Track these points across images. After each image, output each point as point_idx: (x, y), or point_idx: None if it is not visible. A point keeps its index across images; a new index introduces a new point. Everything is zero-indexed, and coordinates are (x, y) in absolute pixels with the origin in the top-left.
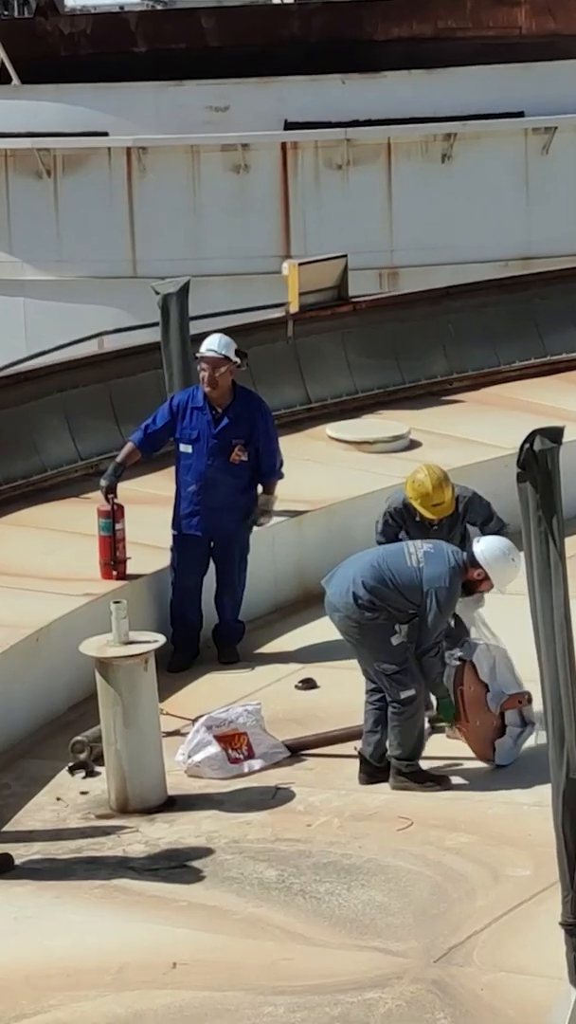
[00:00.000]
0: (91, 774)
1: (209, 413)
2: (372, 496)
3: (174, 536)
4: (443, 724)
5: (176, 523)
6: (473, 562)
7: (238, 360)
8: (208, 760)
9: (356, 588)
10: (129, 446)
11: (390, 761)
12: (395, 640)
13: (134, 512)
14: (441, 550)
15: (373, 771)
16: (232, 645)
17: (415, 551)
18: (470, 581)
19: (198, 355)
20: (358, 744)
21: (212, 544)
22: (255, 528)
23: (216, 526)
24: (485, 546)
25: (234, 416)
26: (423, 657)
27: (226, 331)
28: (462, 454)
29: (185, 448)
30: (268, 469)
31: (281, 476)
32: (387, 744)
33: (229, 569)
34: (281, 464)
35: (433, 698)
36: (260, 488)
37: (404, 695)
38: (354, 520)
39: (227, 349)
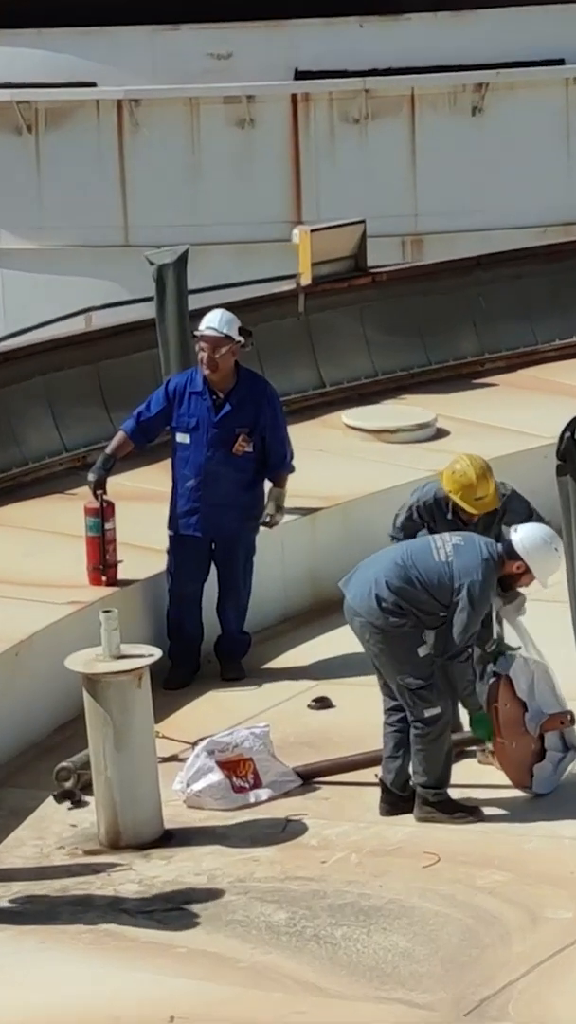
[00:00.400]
0: (78, 805)
1: (209, 398)
2: (394, 492)
3: (170, 537)
4: (474, 748)
5: (173, 522)
6: (511, 553)
7: (242, 340)
8: (210, 789)
9: (379, 590)
10: (120, 436)
11: (415, 789)
12: (422, 651)
13: (126, 510)
14: (473, 542)
15: (396, 801)
16: (236, 659)
17: (443, 545)
18: (508, 576)
19: (196, 333)
20: (378, 771)
21: (213, 546)
22: (263, 528)
23: (217, 525)
24: (524, 534)
25: (237, 402)
26: (451, 662)
27: (229, 306)
28: (495, 444)
29: (182, 438)
30: (276, 461)
31: (291, 469)
32: (411, 770)
33: (232, 574)
34: (291, 456)
35: (464, 711)
36: (268, 483)
37: (428, 713)
38: (374, 519)
39: (229, 327)
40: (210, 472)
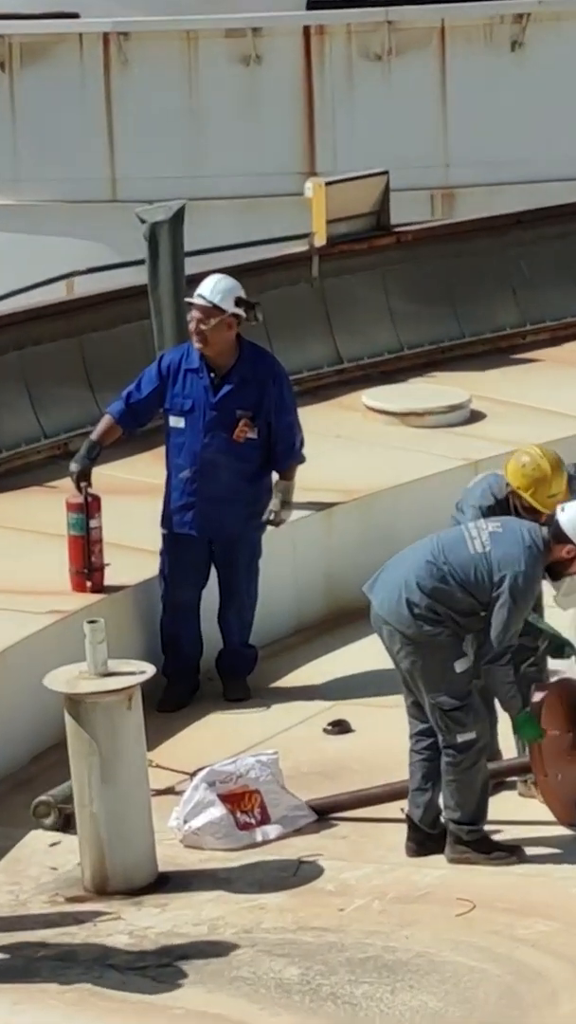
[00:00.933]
0: (60, 839)
1: (207, 377)
2: (422, 484)
3: (164, 536)
4: (515, 779)
5: (166, 520)
6: (559, 536)
7: (239, 311)
8: (210, 826)
9: (409, 593)
10: (107, 420)
11: (446, 826)
12: (460, 665)
13: (114, 505)
14: (512, 527)
15: (424, 840)
16: (241, 677)
17: (478, 533)
18: (557, 562)
19: (187, 300)
20: (404, 805)
21: (213, 547)
22: (269, 527)
23: (217, 524)
24: (572, 514)
25: (239, 381)
26: (490, 666)
27: (232, 271)
28: (537, 428)
29: (176, 422)
30: (284, 450)
31: (301, 459)
32: (441, 804)
33: (234, 579)
34: (302, 443)
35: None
36: (275, 475)
37: (462, 738)
38: (398, 515)
39: (222, 296)
40: (207, 461)
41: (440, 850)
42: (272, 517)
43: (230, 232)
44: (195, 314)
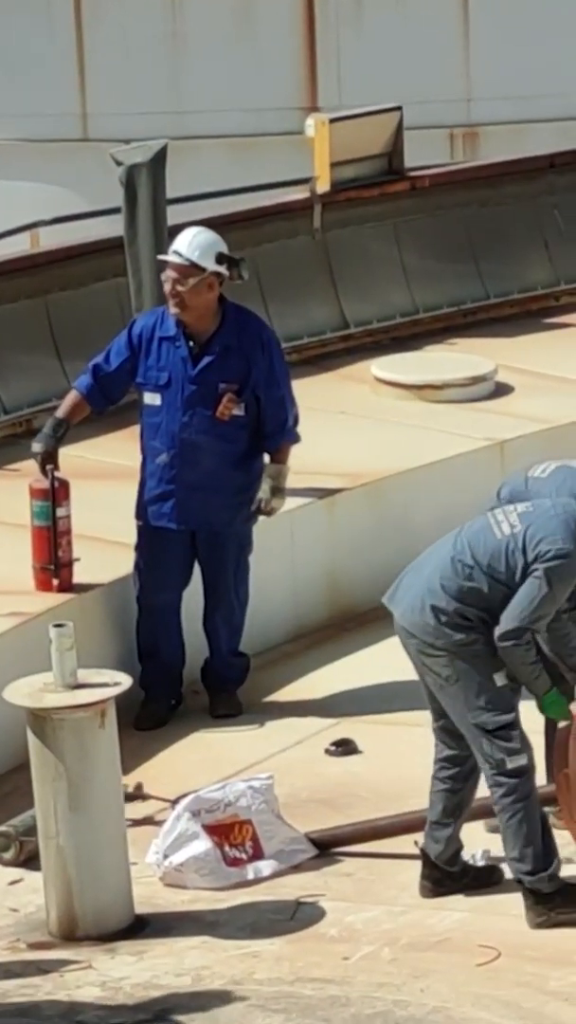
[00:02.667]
0: (22, 877)
1: (184, 346)
2: (440, 468)
3: (139, 529)
4: (547, 809)
5: (141, 510)
6: None
7: (220, 269)
8: (194, 861)
9: (434, 599)
10: (73, 396)
11: (521, 885)
12: (501, 679)
13: (85, 491)
14: (544, 504)
15: (442, 879)
16: (230, 690)
17: (505, 516)
18: None
19: (160, 257)
20: (419, 838)
21: (195, 541)
22: (260, 517)
23: (199, 515)
24: None
25: (222, 350)
26: (506, 647)
27: (222, 221)
28: (573, 403)
29: (151, 398)
30: (275, 428)
31: (295, 438)
32: (505, 855)
33: (221, 578)
34: (296, 420)
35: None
36: (266, 457)
37: (513, 764)
38: (412, 503)
39: (201, 252)
40: (187, 444)
41: (459, 889)
42: (262, 506)
43: (219, 176)
44: (170, 274)
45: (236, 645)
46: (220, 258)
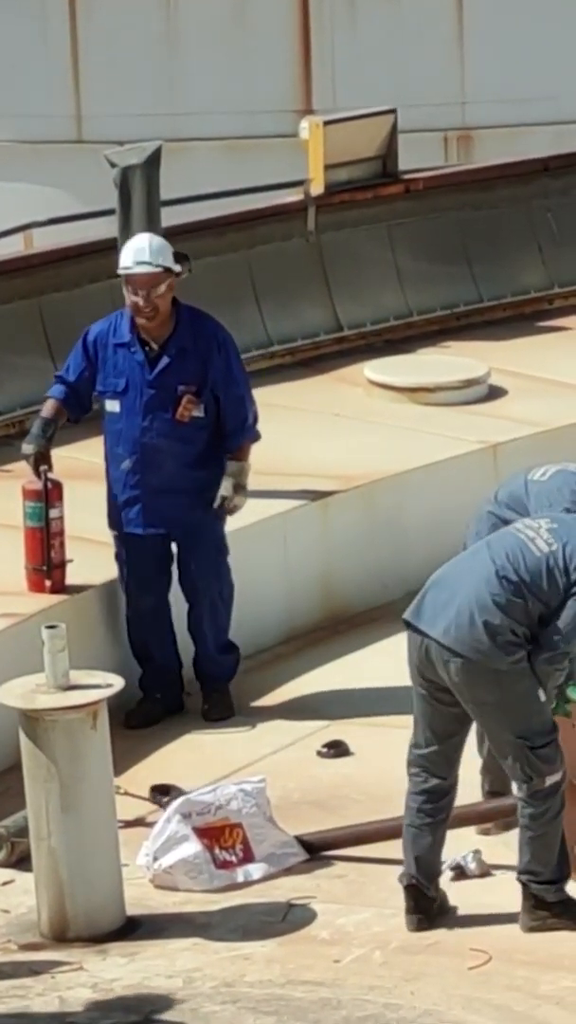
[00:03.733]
0: (13, 878)
1: (140, 351)
2: (432, 470)
3: (115, 539)
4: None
5: (112, 519)
6: None
7: (179, 268)
8: (183, 864)
9: (487, 614)
10: (51, 402)
11: (524, 888)
12: (543, 694)
13: (78, 492)
14: (566, 519)
15: (430, 906)
16: (222, 689)
17: (536, 533)
18: None
19: (121, 272)
20: (400, 876)
21: (170, 544)
22: (258, 517)
23: (168, 517)
24: None
25: (178, 352)
26: (551, 666)
27: (216, 223)
28: (566, 406)
29: (111, 406)
30: (235, 427)
31: (256, 436)
32: (520, 860)
33: (201, 580)
34: (255, 418)
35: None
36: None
37: (551, 780)
38: (406, 505)
39: (163, 256)
40: (149, 448)
41: (444, 911)
42: (223, 502)
43: (213, 178)
44: (141, 286)
45: (224, 641)
46: (176, 256)
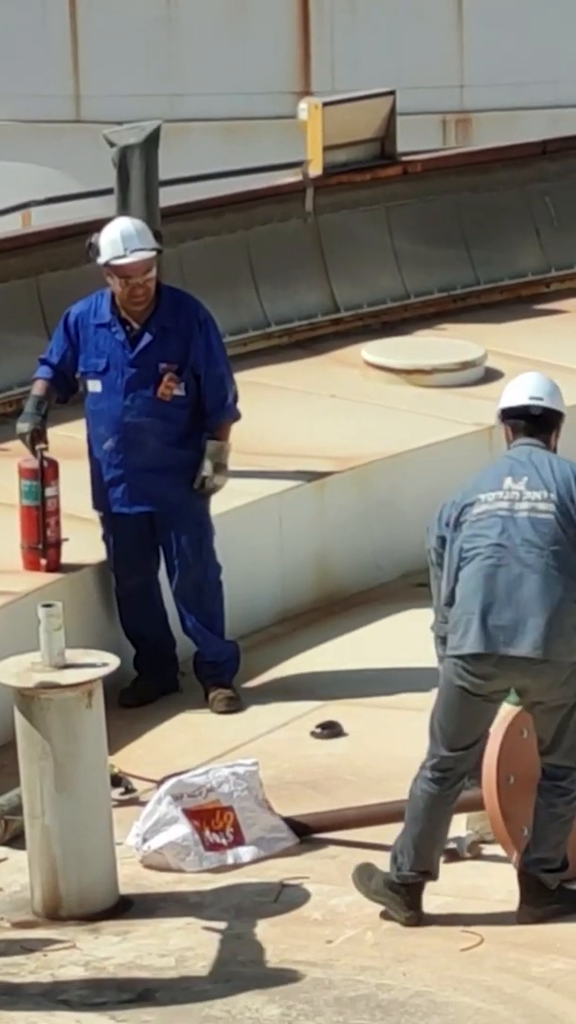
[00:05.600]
0: (6, 856)
1: (121, 330)
2: (428, 452)
3: (100, 519)
4: None
5: (97, 500)
6: None
7: (160, 246)
8: (172, 846)
9: (565, 613)
10: (40, 382)
11: (535, 877)
12: None
13: (73, 471)
14: (518, 460)
15: (417, 902)
16: (223, 682)
17: (524, 499)
18: None
19: (113, 263)
20: (405, 871)
21: (155, 523)
22: (252, 497)
23: (152, 495)
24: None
25: (158, 331)
26: None
27: (214, 203)
28: (563, 389)
29: (93, 386)
30: (215, 406)
31: (236, 415)
32: (534, 847)
33: (185, 560)
34: (235, 398)
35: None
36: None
37: None
38: (401, 487)
39: (149, 237)
40: (131, 427)
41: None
42: (203, 482)
43: (211, 158)
44: (136, 272)
45: (218, 628)
46: (156, 235)
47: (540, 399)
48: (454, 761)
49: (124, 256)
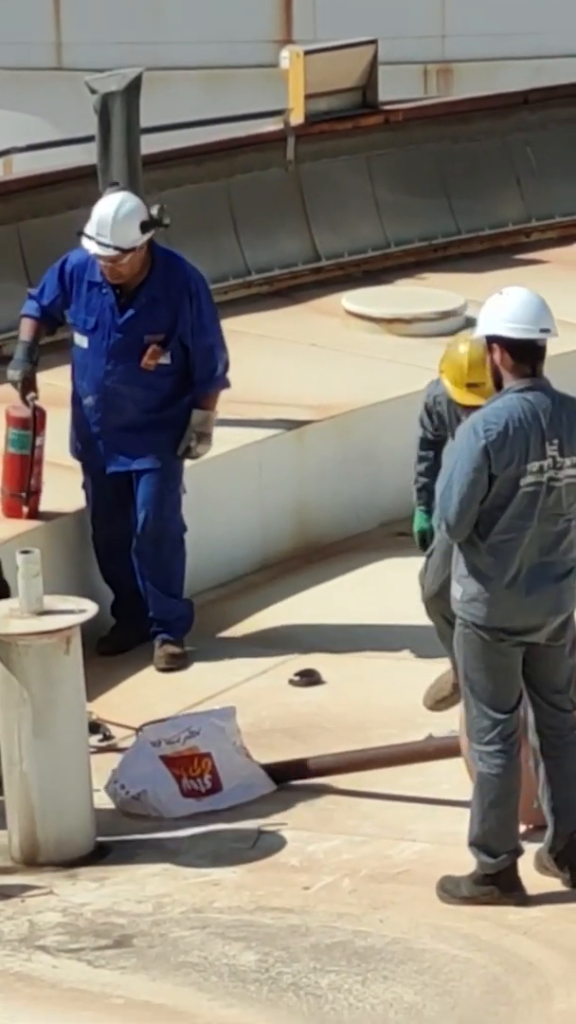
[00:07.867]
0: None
1: (112, 293)
2: (408, 401)
3: (82, 466)
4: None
5: (75, 449)
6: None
7: (148, 236)
8: (150, 793)
9: None
10: (28, 322)
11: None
12: None
13: (52, 418)
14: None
15: (517, 879)
16: (168, 639)
17: (554, 468)
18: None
19: (96, 254)
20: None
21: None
22: (229, 449)
23: (128, 454)
24: None
25: (148, 300)
26: None
27: (195, 151)
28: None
29: (80, 340)
30: (203, 377)
31: (226, 384)
32: (565, 817)
33: (152, 515)
34: (226, 367)
35: None
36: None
37: None
38: (381, 436)
39: (126, 232)
40: (111, 391)
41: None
42: (187, 450)
43: (193, 106)
44: (104, 261)
45: (175, 590)
46: (144, 225)
47: (549, 329)
48: (515, 721)
49: (91, 240)
